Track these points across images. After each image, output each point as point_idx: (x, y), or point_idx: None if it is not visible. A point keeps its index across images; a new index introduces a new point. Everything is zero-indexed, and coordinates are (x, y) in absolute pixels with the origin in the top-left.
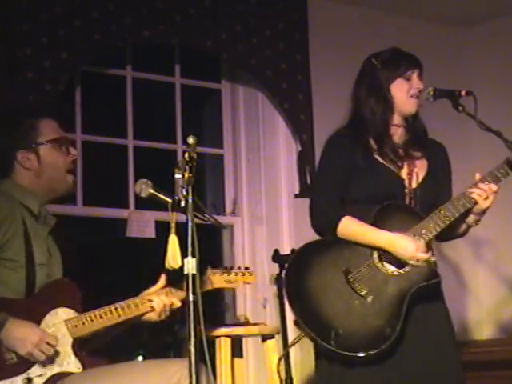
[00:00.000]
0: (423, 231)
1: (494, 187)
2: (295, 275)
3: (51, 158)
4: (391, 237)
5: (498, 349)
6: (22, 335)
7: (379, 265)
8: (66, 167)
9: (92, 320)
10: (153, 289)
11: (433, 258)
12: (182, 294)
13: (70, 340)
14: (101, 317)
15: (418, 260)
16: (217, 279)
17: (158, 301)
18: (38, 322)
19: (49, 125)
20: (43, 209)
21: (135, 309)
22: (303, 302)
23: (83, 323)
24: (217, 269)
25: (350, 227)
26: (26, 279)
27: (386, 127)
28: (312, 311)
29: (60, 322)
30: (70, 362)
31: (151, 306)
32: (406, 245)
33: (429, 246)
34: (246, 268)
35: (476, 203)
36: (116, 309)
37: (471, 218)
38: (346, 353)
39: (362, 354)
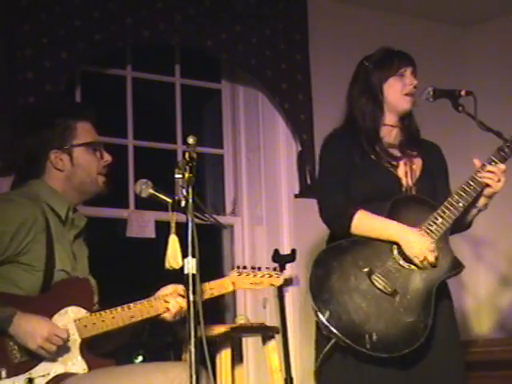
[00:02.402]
0: (439, 220)
1: (502, 167)
2: (319, 283)
3: (84, 160)
4: (404, 230)
5: (497, 349)
6: (31, 329)
7: (401, 261)
8: (98, 171)
9: (103, 321)
10: (170, 288)
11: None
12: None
13: (78, 340)
14: (113, 317)
15: (423, 261)
16: (241, 280)
17: (174, 303)
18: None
19: (85, 127)
20: (71, 212)
21: (150, 309)
22: (332, 309)
23: (94, 323)
24: (243, 269)
25: (366, 222)
26: (43, 282)
27: (375, 127)
28: (342, 317)
29: (69, 322)
30: (75, 363)
31: (167, 308)
32: (417, 241)
33: (445, 238)
34: (275, 269)
35: (487, 186)
36: (130, 309)
37: (482, 202)
38: (383, 355)
39: (398, 354)
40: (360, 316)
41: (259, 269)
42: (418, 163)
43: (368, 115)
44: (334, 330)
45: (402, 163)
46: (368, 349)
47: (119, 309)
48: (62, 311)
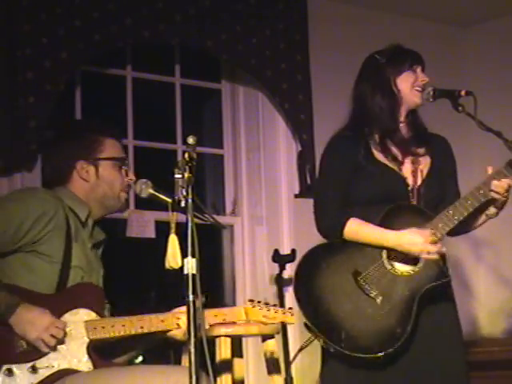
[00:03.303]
0: (433, 232)
1: (507, 181)
2: (304, 279)
3: (109, 175)
4: (397, 235)
5: (498, 349)
6: (32, 319)
7: (388, 266)
8: (121, 187)
9: (113, 326)
10: (185, 307)
11: (443, 249)
12: (212, 320)
13: (86, 340)
14: (123, 325)
15: (429, 253)
16: (255, 312)
17: (184, 320)
18: (57, 318)
19: (113, 144)
20: (91, 220)
21: (160, 323)
22: (313, 305)
23: (103, 327)
24: (257, 303)
25: (356, 229)
26: (59, 275)
27: (394, 121)
28: (322, 314)
29: (79, 322)
30: (81, 361)
31: (177, 324)
32: (414, 239)
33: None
34: (290, 308)
35: (490, 198)
36: (141, 319)
37: (492, 210)
38: (356, 354)
39: (371, 356)
40: (339, 314)
41: (274, 305)
42: (425, 162)
43: (386, 110)
44: (312, 326)
45: (407, 162)
46: (343, 347)
47: (130, 317)
48: (74, 311)
